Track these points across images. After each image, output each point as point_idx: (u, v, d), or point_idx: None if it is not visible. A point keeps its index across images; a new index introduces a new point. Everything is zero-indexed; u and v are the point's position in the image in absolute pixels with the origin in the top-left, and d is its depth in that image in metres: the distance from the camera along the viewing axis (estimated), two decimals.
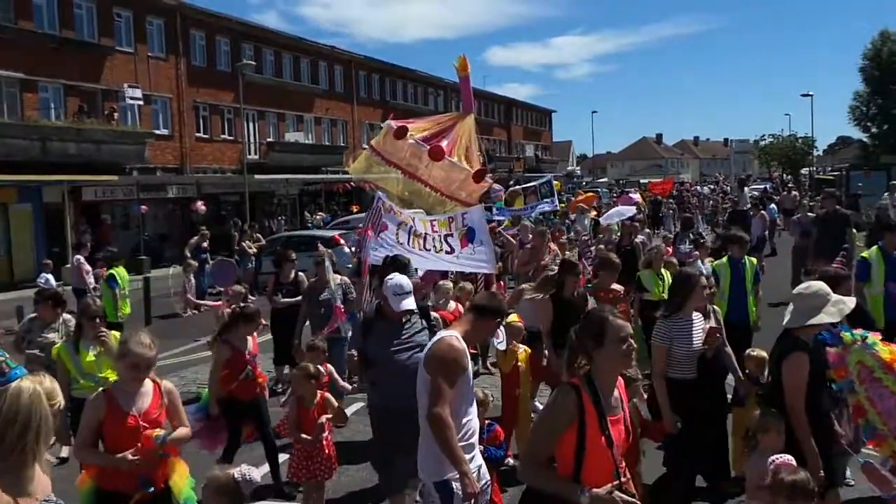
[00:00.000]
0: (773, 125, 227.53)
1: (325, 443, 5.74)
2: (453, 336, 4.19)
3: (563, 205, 23.54)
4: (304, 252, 15.05)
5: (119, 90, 28.51)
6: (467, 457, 4.04)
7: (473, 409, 4.27)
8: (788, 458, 3.91)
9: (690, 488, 5.55)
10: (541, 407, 8.07)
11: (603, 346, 3.28)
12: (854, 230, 13.58)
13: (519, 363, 6.85)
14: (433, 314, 7.20)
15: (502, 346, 6.68)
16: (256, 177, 33.01)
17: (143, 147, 28.73)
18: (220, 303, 9.55)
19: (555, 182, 20.20)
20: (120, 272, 11.52)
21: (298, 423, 5.69)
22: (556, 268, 10.83)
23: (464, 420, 4.14)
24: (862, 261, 8.06)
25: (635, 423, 4.87)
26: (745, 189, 34.56)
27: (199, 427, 6.33)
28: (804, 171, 65.81)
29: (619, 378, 3.43)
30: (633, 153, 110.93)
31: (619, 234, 15.92)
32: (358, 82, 46.28)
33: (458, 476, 3.93)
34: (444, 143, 8.41)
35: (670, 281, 9.03)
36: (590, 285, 8.18)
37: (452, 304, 8.17)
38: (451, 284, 8.53)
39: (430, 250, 8.25)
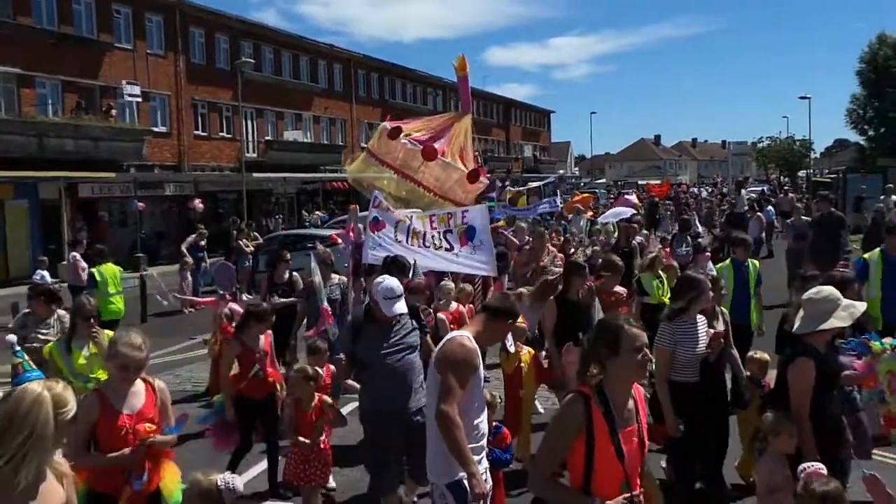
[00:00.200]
0: (770, 127, 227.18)
1: (322, 446, 5.69)
2: (465, 336, 4.14)
3: (561, 204, 23.55)
4: (302, 251, 15.05)
5: (117, 87, 28.44)
6: (476, 458, 3.98)
7: (484, 411, 4.24)
8: (820, 467, 3.77)
9: (692, 491, 5.54)
10: (542, 410, 8.11)
11: (618, 355, 3.18)
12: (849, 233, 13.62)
13: (522, 364, 6.83)
14: (440, 315, 7.20)
15: (513, 348, 6.66)
16: (254, 175, 32.98)
17: (140, 144, 28.69)
18: (211, 299, 9.50)
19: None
20: (107, 270, 11.44)
21: (295, 425, 5.64)
22: (555, 269, 10.87)
23: (474, 421, 4.09)
24: (862, 263, 8.08)
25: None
26: (743, 191, 34.59)
27: (212, 427, 6.37)
28: (801, 173, 65.83)
29: (637, 388, 3.34)
30: (631, 154, 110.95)
31: (615, 235, 15.92)
32: (357, 81, 46.25)
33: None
34: (437, 144, 8.39)
35: (669, 283, 9.08)
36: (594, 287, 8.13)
37: (454, 305, 8.14)
38: (452, 284, 8.49)
39: (428, 248, 8.18)
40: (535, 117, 77.51)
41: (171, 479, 4.14)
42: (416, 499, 5.69)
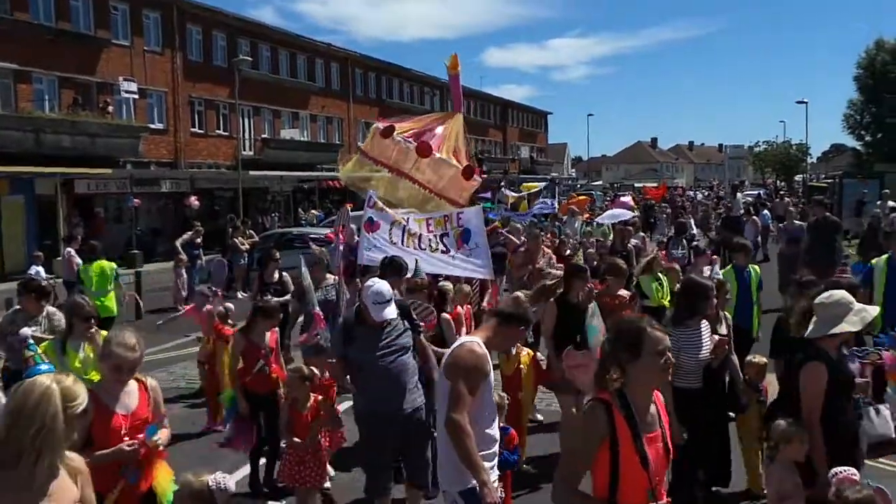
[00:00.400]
0: (767, 131, 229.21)
1: (318, 447, 5.67)
2: (475, 342, 4.05)
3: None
4: (297, 249, 15.03)
5: (114, 83, 28.39)
6: (487, 464, 3.93)
7: (495, 417, 4.18)
8: (852, 472, 3.72)
9: (694, 498, 5.53)
10: (540, 417, 8.10)
11: (639, 358, 3.09)
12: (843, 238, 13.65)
13: (521, 366, 6.84)
14: (444, 316, 7.14)
15: (513, 350, 6.65)
16: (251, 173, 32.93)
17: (137, 141, 28.63)
18: (190, 307, 9.40)
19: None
20: (94, 268, 11.35)
21: (291, 425, 5.62)
22: (553, 272, 10.86)
23: (485, 428, 4.03)
24: (861, 267, 8.10)
25: None
26: (739, 195, 34.65)
27: (233, 432, 6.39)
28: (798, 177, 66.03)
29: (657, 393, 3.26)
30: (628, 157, 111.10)
31: (610, 237, 15.93)
32: (354, 80, 46.24)
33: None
34: (431, 140, 8.35)
35: (669, 287, 9.06)
36: (595, 291, 8.09)
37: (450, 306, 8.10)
38: (450, 285, 8.48)
39: (424, 250, 8.12)
40: (533, 118, 77.56)
41: (165, 479, 4.10)
42: None
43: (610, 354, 3.19)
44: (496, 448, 4.14)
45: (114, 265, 11.79)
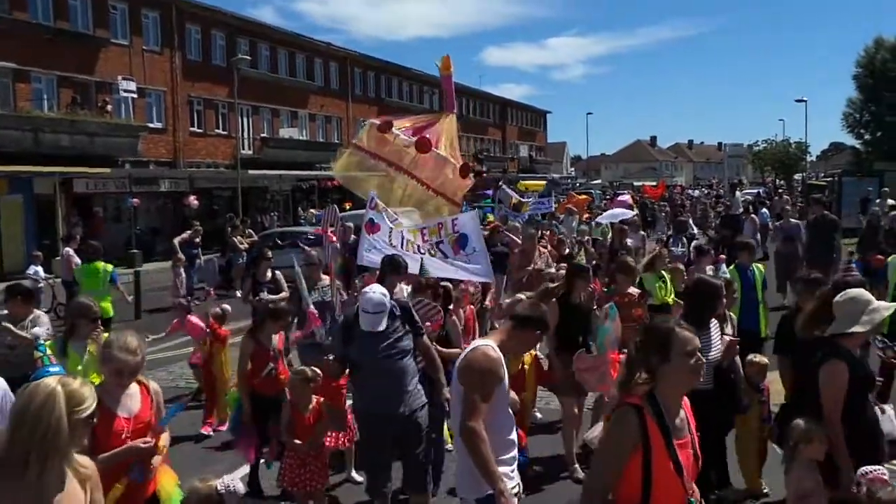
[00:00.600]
0: (767, 130, 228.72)
1: (321, 451, 5.65)
2: (489, 345, 3.94)
3: (555, 205, 23.54)
4: (296, 249, 15.01)
5: (113, 82, 28.39)
6: (507, 469, 3.87)
7: (511, 421, 4.09)
8: (882, 472, 3.67)
9: (707, 500, 5.48)
10: (539, 416, 8.09)
11: (669, 360, 2.98)
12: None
13: (525, 366, 6.81)
14: (453, 318, 7.09)
15: None
16: (250, 172, 32.91)
17: (136, 140, 28.61)
18: (175, 322, 9.34)
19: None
20: (88, 270, 11.27)
21: (292, 428, 5.58)
22: (552, 272, 10.84)
23: (502, 433, 3.94)
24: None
25: None
26: (738, 193, 34.61)
27: (237, 435, 6.37)
28: (797, 176, 66.02)
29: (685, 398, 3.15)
30: (627, 155, 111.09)
31: (609, 236, 15.90)
32: (353, 79, 46.23)
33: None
34: (429, 136, 8.31)
35: (672, 284, 9.02)
36: (605, 289, 8.05)
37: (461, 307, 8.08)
38: (450, 284, 8.45)
39: (423, 255, 8.03)
40: (532, 117, 77.56)
41: (169, 483, 4.06)
42: None
43: (637, 357, 3.08)
44: (514, 452, 4.06)
45: (109, 267, 11.67)
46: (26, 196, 24.79)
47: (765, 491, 6.07)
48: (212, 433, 8.04)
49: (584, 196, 28.53)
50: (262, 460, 6.40)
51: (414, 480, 5.28)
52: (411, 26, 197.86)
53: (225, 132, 35.48)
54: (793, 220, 15.47)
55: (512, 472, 3.96)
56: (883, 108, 44.51)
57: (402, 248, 7.99)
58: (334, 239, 8.76)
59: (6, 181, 23.77)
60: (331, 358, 5.44)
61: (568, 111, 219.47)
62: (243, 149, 34.96)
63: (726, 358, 5.47)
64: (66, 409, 2.66)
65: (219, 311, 8.64)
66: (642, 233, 17.78)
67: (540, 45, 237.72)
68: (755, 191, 46.58)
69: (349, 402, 6.30)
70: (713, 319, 5.46)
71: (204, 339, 8.47)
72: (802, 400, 4.65)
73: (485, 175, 43.56)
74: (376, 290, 5.14)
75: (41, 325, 6.61)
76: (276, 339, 6.46)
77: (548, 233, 16.42)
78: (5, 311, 7.10)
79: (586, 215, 22.86)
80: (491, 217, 15.87)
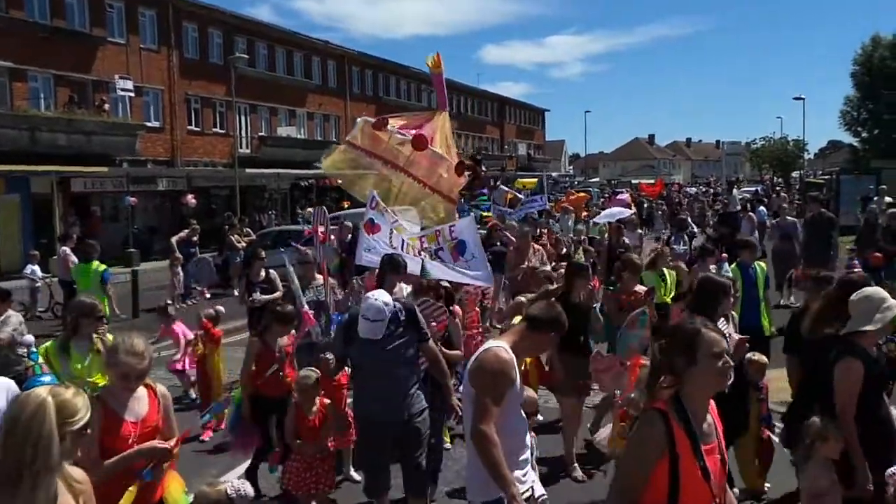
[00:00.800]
0: (765, 128, 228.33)
1: (328, 453, 5.62)
2: (501, 347, 3.86)
3: (550, 204, 23.53)
4: (289, 248, 14.99)
5: (110, 81, 28.33)
6: (519, 473, 3.81)
7: (524, 424, 4.03)
8: None
9: None
10: (540, 417, 8.07)
11: (695, 363, 2.86)
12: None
13: (525, 367, 6.79)
14: (456, 320, 7.04)
15: None
16: (247, 171, 32.86)
17: (133, 139, 28.56)
18: (161, 329, 9.28)
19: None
20: (81, 269, 11.22)
21: (297, 431, 5.53)
22: (546, 269, 10.81)
23: (514, 436, 3.87)
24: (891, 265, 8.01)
25: None
26: (735, 191, 34.63)
27: (235, 435, 6.31)
28: (795, 174, 66.04)
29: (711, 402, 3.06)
30: (625, 153, 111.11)
31: (606, 235, 15.85)
32: (351, 78, 46.18)
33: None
34: (425, 133, 8.27)
35: (672, 282, 9.00)
36: (611, 288, 8.02)
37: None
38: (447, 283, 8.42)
39: (424, 257, 7.95)
40: (530, 115, 77.53)
41: (176, 489, 3.97)
42: None
43: (662, 360, 2.96)
44: (527, 455, 4.00)
45: (102, 267, 11.55)
46: (23, 195, 24.74)
47: (766, 486, 6.05)
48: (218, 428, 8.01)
49: (581, 194, 28.53)
50: (265, 463, 6.38)
51: (413, 485, 5.24)
52: (409, 24, 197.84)
53: (223, 131, 35.42)
54: (789, 217, 15.47)
55: (524, 475, 3.90)
56: (881, 105, 44.47)
57: (401, 249, 7.90)
58: (324, 239, 8.74)
59: (3, 180, 23.72)
60: (329, 357, 5.38)
61: (566, 109, 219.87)
62: (241, 147, 34.92)
63: (735, 357, 5.43)
64: (58, 421, 2.56)
65: (212, 312, 8.61)
66: (640, 231, 17.76)
67: (538, 44, 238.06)
68: (753, 189, 46.64)
69: (349, 400, 6.29)
70: (721, 318, 5.39)
71: (196, 342, 8.44)
72: (810, 399, 4.63)
73: (484, 173, 43.56)
74: (378, 298, 4.99)
75: (8, 326, 6.50)
76: (285, 341, 6.42)
77: (545, 231, 16.41)
78: None
79: (584, 213, 22.86)
80: (487, 214, 15.81)
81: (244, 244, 18.94)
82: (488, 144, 64.48)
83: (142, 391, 3.90)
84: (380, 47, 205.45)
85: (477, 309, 8.74)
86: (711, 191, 49.91)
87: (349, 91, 45.82)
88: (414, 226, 8.42)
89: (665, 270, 9.08)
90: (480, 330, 8.74)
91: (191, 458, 7.15)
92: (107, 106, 28.08)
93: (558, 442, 6.94)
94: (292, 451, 5.63)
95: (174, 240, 18.21)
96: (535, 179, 34.25)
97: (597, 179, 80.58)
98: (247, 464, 6.48)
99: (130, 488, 3.70)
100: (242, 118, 36.66)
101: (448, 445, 6.99)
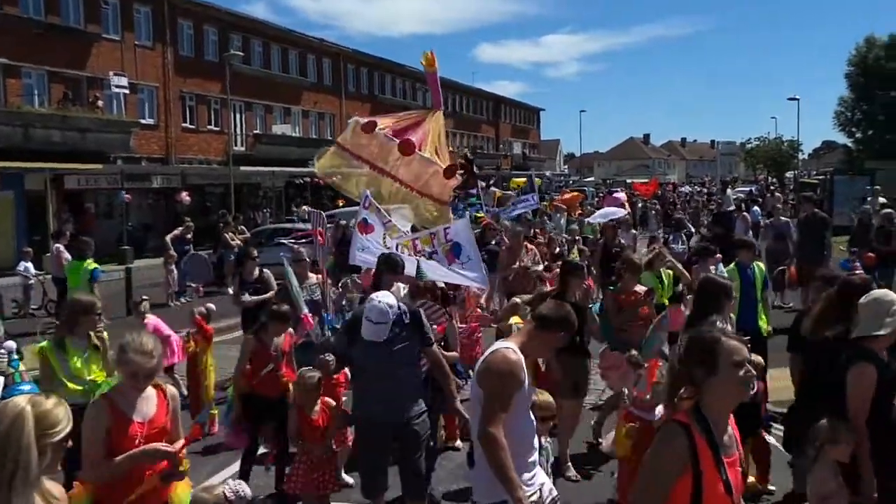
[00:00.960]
0: (759, 128, 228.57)
1: (332, 453, 5.60)
2: (509, 348, 3.81)
3: (544, 203, 23.51)
4: (282, 247, 14.97)
5: (105, 78, 28.26)
6: (527, 476, 3.78)
7: (532, 426, 3.97)
8: None
9: None
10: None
11: (716, 373, 2.75)
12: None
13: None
14: (454, 323, 7.03)
15: None
16: (242, 168, 32.83)
17: (128, 136, 28.51)
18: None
19: (535, 180, 20.19)
20: (72, 267, 11.17)
21: (300, 432, 5.50)
22: (538, 269, 10.81)
23: (522, 438, 3.82)
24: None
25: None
26: (729, 191, 34.68)
27: (228, 430, 6.29)
28: (789, 174, 66.20)
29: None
30: (620, 153, 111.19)
31: (600, 235, 15.86)
32: (346, 76, 46.13)
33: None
34: (414, 137, 8.24)
35: (669, 284, 8.97)
36: (611, 287, 7.99)
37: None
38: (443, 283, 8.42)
39: (419, 258, 7.90)
40: (525, 114, 77.55)
41: (184, 491, 3.92)
42: None
43: (681, 370, 2.86)
44: (535, 457, 3.97)
45: (91, 265, 11.46)
46: (17, 192, 24.67)
47: (770, 487, 6.05)
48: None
49: (576, 193, 28.55)
50: (262, 466, 6.35)
51: (412, 489, 5.20)
52: (404, 22, 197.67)
53: (217, 128, 35.36)
54: (783, 217, 15.51)
55: (532, 478, 3.87)
56: (875, 106, 44.63)
57: (396, 249, 7.86)
58: (323, 241, 8.71)
59: None
60: (329, 358, 5.33)
61: (562, 108, 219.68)
62: (236, 145, 34.87)
63: None
64: (36, 433, 2.44)
65: (203, 310, 8.55)
66: (633, 231, 17.78)
67: (534, 43, 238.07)
68: (747, 189, 46.71)
69: (344, 397, 6.26)
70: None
71: (188, 339, 8.41)
72: (811, 401, 4.60)
73: (479, 173, 43.55)
74: (383, 300, 4.91)
75: None
76: (282, 340, 6.37)
77: (539, 231, 16.39)
78: None
79: (578, 212, 22.87)
80: (480, 215, 15.80)
81: (238, 242, 18.91)
82: (483, 143, 64.48)
83: (151, 391, 3.85)
84: (375, 45, 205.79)
85: (479, 310, 8.72)
86: (706, 191, 49.98)
87: (344, 89, 45.77)
88: (406, 224, 8.40)
89: (662, 271, 9.06)
90: (477, 323, 8.74)
91: (189, 458, 7.14)
92: (101, 103, 28.00)
93: (553, 444, 6.93)
94: (297, 452, 5.58)
95: (168, 238, 18.17)
96: (525, 179, 34.24)
97: (592, 179, 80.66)
98: (237, 463, 6.45)
99: (150, 476, 3.68)
100: (237, 116, 36.61)
101: (459, 444, 7.04)
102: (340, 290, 9.06)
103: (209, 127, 35.21)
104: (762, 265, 8.53)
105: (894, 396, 4.31)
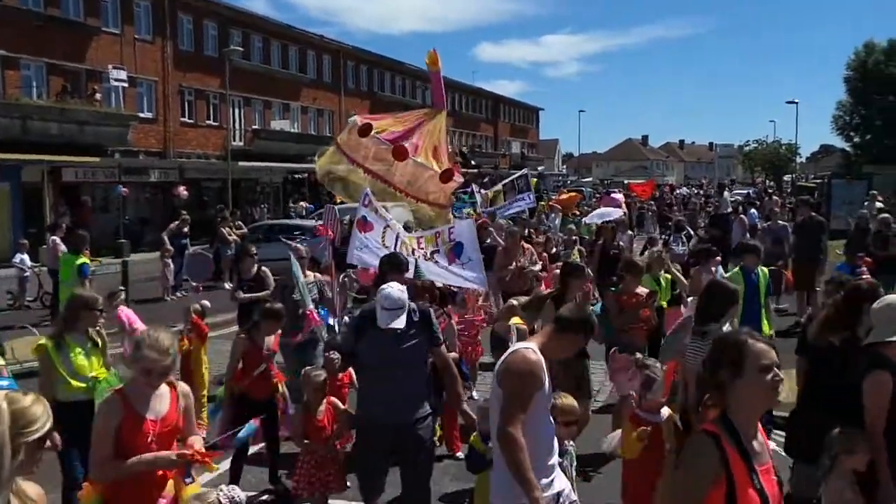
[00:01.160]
0: (758, 131, 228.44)
1: (337, 452, 5.58)
2: (529, 348, 3.80)
3: (542, 203, 23.47)
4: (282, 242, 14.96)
5: (103, 71, 28.17)
6: (545, 480, 3.73)
7: (551, 428, 3.95)
8: None
9: None
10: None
11: (742, 377, 2.64)
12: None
13: None
14: (452, 323, 7.01)
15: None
16: (240, 164, 32.79)
17: (126, 129, 28.43)
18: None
19: (531, 179, 20.11)
20: (67, 260, 11.13)
21: (303, 431, 5.47)
22: (534, 269, 10.81)
23: (541, 439, 3.78)
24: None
25: (671, 437, 4.49)
26: (726, 193, 34.68)
27: (218, 430, 6.24)
28: (787, 177, 66.31)
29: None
30: (618, 154, 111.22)
31: (596, 235, 15.84)
32: (346, 73, 46.08)
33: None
34: (409, 143, 8.15)
35: (667, 285, 8.94)
36: (613, 289, 7.97)
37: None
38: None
39: (418, 259, 7.91)
40: (524, 114, 77.53)
41: (191, 490, 3.87)
42: None
43: (707, 376, 2.76)
44: (555, 459, 3.94)
45: (81, 260, 11.35)
46: (13, 184, 24.62)
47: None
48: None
49: (573, 193, 28.50)
50: (254, 466, 6.35)
51: (413, 493, 5.08)
52: (405, 20, 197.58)
53: (216, 123, 35.30)
54: (781, 221, 15.53)
55: (551, 480, 3.84)
56: (873, 111, 44.75)
57: (395, 248, 7.79)
58: (333, 238, 8.68)
59: None
60: (335, 357, 5.27)
61: (560, 108, 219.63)
62: (234, 140, 34.80)
63: None
64: (11, 431, 2.32)
65: (198, 307, 8.49)
66: (630, 232, 17.78)
67: (534, 42, 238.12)
68: (745, 191, 46.75)
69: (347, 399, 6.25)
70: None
71: (182, 337, 8.37)
72: (813, 406, 4.57)
73: (475, 171, 43.55)
74: (395, 287, 4.87)
75: None
76: (272, 340, 6.35)
77: (534, 231, 16.39)
78: None
79: (576, 212, 22.85)
80: (469, 211, 15.75)
81: (235, 237, 18.89)
82: (482, 142, 64.48)
83: (164, 389, 3.80)
84: (375, 43, 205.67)
85: (481, 313, 8.71)
86: (703, 193, 50.01)
87: (344, 86, 45.72)
88: (400, 223, 8.39)
89: (660, 274, 9.05)
90: (483, 316, 8.73)
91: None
92: (99, 96, 27.94)
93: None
94: (301, 452, 5.55)
95: (166, 234, 18.15)
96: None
97: (590, 179, 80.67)
98: (227, 463, 6.44)
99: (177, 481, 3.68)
100: (236, 111, 36.54)
101: (461, 454, 7.00)
102: (339, 289, 9.03)
103: (208, 122, 35.16)
104: (766, 270, 8.48)
105: None
